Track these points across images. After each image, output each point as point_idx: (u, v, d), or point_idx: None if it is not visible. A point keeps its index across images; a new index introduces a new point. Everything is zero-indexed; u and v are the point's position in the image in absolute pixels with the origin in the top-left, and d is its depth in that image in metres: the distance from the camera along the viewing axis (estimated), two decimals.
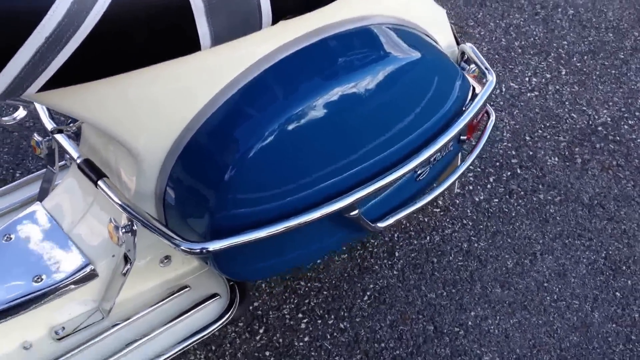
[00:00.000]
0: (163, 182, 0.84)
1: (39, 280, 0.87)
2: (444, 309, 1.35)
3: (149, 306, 0.94)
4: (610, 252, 1.44)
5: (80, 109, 0.73)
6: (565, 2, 2.13)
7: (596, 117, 1.75)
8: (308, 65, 0.81)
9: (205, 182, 0.80)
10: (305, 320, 1.33)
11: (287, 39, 0.81)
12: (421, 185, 0.99)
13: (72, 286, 0.88)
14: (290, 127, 0.77)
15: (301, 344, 1.30)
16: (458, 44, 1.06)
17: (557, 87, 1.84)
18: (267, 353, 1.28)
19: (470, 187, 1.57)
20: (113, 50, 0.67)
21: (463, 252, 1.44)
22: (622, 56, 1.93)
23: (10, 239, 0.95)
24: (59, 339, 0.89)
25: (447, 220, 1.51)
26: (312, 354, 1.28)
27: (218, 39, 0.72)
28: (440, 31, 1.00)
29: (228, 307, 0.96)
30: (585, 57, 1.93)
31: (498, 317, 1.33)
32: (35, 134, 1.07)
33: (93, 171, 0.88)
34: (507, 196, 1.55)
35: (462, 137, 1.02)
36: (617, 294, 1.37)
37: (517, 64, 1.91)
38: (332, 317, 1.33)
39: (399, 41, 0.87)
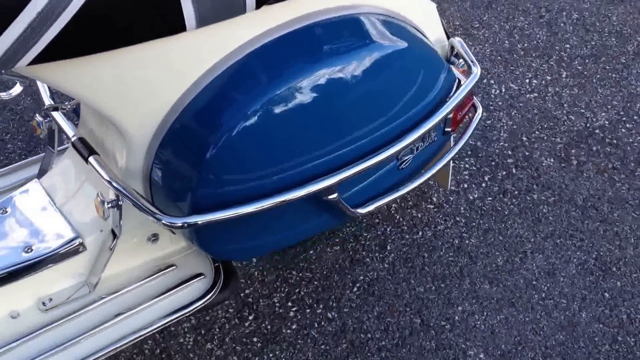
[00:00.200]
0: (150, 160, 0.87)
1: (29, 251, 0.91)
2: (432, 303, 1.36)
3: (135, 282, 0.97)
4: (602, 253, 1.44)
5: (68, 84, 0.76)
6: (571, 6, 2.14)
7: (594, 119, 1.75)
8: (292, 50, 0.83)
9: (188, 160, 0.83)
10: (294, 309, 1.36)
11: (273, 24, 0.84)
12: (404, 174, 1.00)
13: (61, 259, 0.91)
14: (271, 109, 0.80)
15: (289, 331, 1.32)
16: (448, 38, 1.08)
17: (557, 89, 1.84)
18: (255, 339, 1.31)
19: (465, 185, 1.58)
20: (100, 27, 0.70)
21: (454, 248, 1.45)
22: (624, 60, 1.94)
23: (6, 212, 0.99)
24: (46, 310, 0.92)
25: (440, 216, 1.52)
26: (299, 341, 1.30)
27: (203, 21, 0.75)
28: (429, 25, 1.02)
29: (212, 287, 0.98)
30: (587, 60, 1.94)
31: (485, 313, 1.34)
32: (37, 115, 1.11)
33: (85, 149, 0.91)
34: (501, 195, 1.56)
35: (446, 129, 1.03)
36: (606, 294, 1.38)
37: (518, 65, 1.92)
38: (321, 306, 1.36)
39: (384, 31, 0.89)
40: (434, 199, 1.56)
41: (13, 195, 1.03)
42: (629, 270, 1.41)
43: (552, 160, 1.64)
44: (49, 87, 1.05)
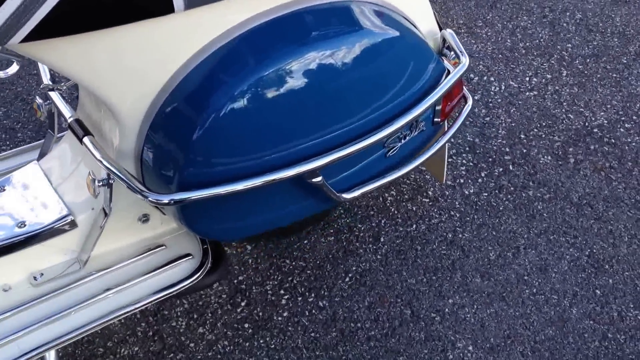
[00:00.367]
0: (141, 142, 0.89)
1: (22, 226, 0.93)
2: (423, 295, 1.37)
3: (125, 260, 0.99)
4: (595, 251, 1.45)
5: (60, 63, 0.78)
6: (574, 6, 2.14)
7: (593, 118, 1.76)
8: (281, 34, 0.85)
9: (176, 141, 0.85)
10: (286, 297, 1.37)
11: (263, 9, 0.85)
12: (392, 162, 1.02)
13: (52, 235, 0.94)
14: (258, 91, 0.81)
15: (280, 318, 1.34)
16: (441, 29, 1.09)
17: (557, 87, 1.85)
18: (246, 325, 1.32)
19: (462, 181, 1.59)
20: (90, 6, 0.73)
21: (447, 242, 1.46)
22: (625, 61, 1.93)
23: (4, 190, 1.02)
24: (37, 284, 0.95)
25: (435, 210, 1.53)
26: (289, 328, 1.32)
27: (191, 2, 0.77)
28: (421, 15, 1.03)
29: (200, 268, 1.00)
30: (588, 60, 1.94)
31: (475, 306, 1.35)
32: (37, 97, 1.14)
33: (80, 129, 0.93)
34: (497, 191, 1.57)
35: (435, 120, 1.05)
36: (597, 291, 1.38)
37: (519, 64, 1.92)
38: (313, 295, 1.37)
39: (373, 19, 0.91)
40: (430, 193, 1.57)
41: (11, 175, 1.06)
42: (622, 268, 1.41)
43: (549, 157, 1.65)
44: (49, 69, 1.08)
